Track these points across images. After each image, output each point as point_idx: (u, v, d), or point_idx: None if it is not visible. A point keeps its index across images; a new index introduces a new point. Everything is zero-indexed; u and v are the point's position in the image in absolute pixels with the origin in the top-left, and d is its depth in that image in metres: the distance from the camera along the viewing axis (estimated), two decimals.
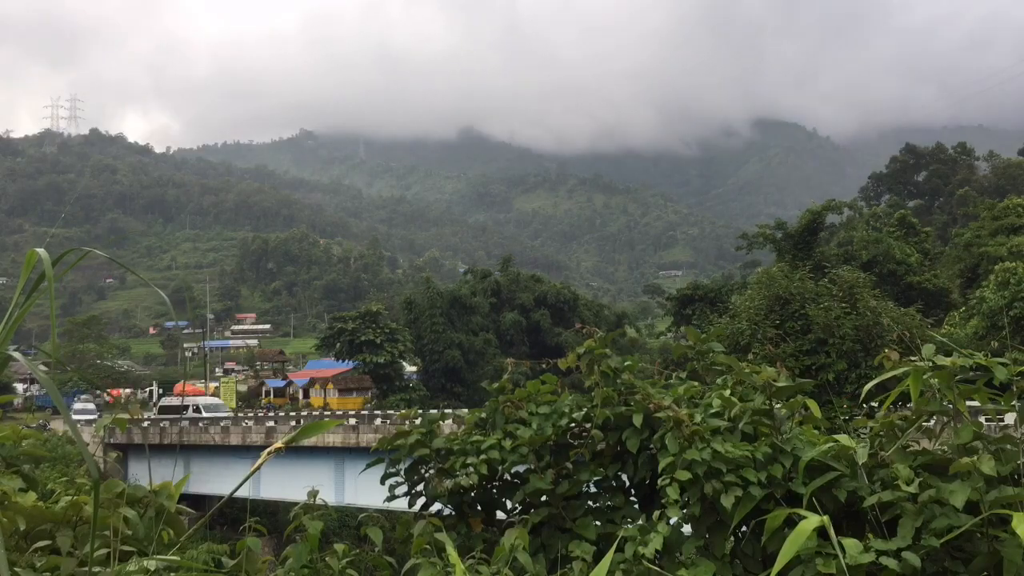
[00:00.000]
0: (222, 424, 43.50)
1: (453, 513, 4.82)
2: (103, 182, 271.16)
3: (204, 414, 49.98)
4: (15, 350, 2.60)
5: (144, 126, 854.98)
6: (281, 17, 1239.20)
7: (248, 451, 39.11)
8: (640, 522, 4.10)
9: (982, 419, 4.93)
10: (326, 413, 62.29)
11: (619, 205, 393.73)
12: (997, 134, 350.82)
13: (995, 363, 3.67)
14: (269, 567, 3.96)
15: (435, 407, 54.22)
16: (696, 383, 4.78)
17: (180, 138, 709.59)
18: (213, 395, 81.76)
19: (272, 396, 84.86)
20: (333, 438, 36.23)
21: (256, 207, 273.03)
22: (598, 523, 4.43)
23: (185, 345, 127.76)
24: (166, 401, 65.19)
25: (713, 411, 4.30)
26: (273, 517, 33.17)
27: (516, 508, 4.78)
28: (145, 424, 44.68)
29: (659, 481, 4.07)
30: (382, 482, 4.96)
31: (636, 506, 4.64)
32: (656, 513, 3.98)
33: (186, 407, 52.21)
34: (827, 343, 29.47)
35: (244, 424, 44.25)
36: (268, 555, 4.01)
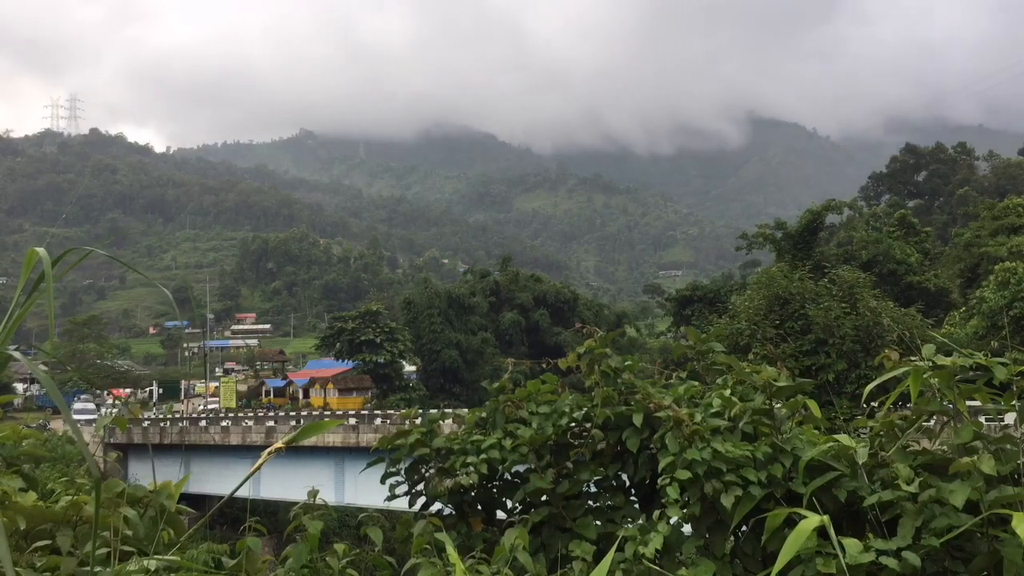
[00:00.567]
0: (222, 424, 43.53)
1: (453, 513, 4.81)
2: (103, 182, 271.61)
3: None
4: (15, 350, 2.60)
5: (144, 126, 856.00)
6: (282, 17, 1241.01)
7: (248, 451, 39.13)
8: (640, 522, 4.10)
9: (982, 419, 4.93)
10: (326, 413, 62.21)
11: (619, 205, 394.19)
12: (997, 134, 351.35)
13: (995, 363, 3.67)
14: (269, 567, 3.95)
15: (435, 407, 54.16)
16: (696, 383, 4.78)
17: (180, 138, 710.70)
18: (213, 395, 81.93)
19: (272, 396, 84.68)
20: (333, 438, 36.27)
21: (256, 207, 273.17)
22: (598, 523, 4.43)
23: (185, 345, 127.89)
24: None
25: (713, 411, 4.30)
26: (273, 517, 33.25)
27: (516, 508, 4.77)
28: (145, 424, 44.72)
29: (659, 481, 4.07)
30: (382, 482, 4.96)
31: (636, 506, 4.64)
32: (656, 513, 3.98)
33: None
34: (827, 343, 29.48)
35: (244, 424, 44.27)
36: (268, 555, 4.00)
